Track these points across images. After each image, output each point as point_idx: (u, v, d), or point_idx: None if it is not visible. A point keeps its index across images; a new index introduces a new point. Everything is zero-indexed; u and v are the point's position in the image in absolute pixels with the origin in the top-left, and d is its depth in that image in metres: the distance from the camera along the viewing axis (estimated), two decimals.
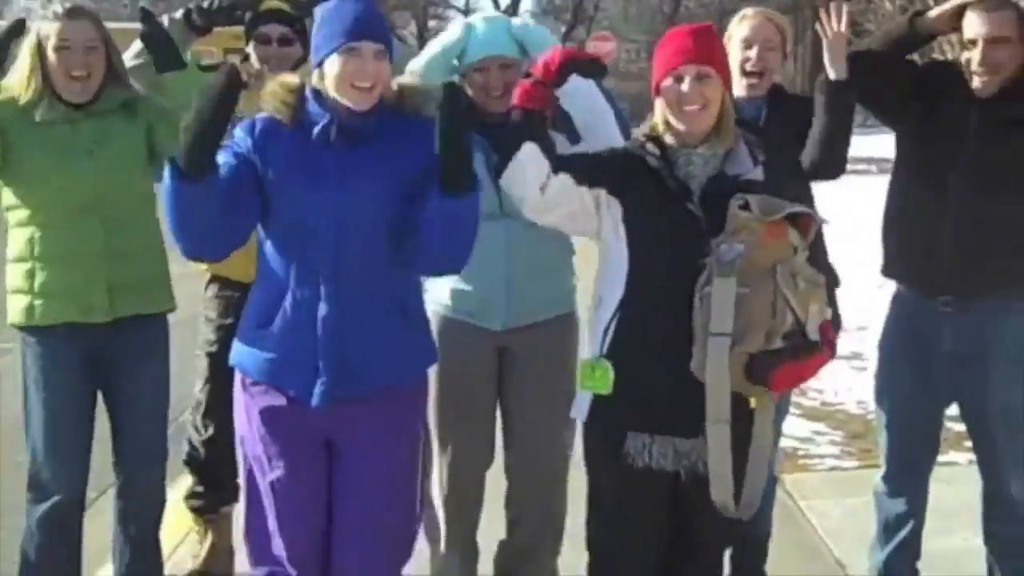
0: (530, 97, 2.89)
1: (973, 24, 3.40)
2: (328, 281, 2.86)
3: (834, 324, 3.13)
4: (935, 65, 3.76)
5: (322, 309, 2.86)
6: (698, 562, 3.00)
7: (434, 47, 3.52)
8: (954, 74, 3.51)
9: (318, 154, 2.86)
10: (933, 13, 3.56)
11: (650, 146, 2.87)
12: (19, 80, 3.35)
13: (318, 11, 2.96)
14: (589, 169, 2.88)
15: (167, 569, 3.91)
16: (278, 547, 3.00)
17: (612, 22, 46.63)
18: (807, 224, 2.83)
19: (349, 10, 2.86)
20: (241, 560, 3.60)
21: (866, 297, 8.04)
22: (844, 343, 7.27)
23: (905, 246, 3.59)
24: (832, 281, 3.50)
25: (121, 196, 3.40)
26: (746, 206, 2.75)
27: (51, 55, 3.33)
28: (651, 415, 2.83)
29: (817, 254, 2.97)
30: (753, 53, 3.57)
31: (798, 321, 2.73)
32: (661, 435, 2.84)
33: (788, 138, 3.46)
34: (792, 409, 5.50)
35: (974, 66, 3.40)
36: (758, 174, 2.90)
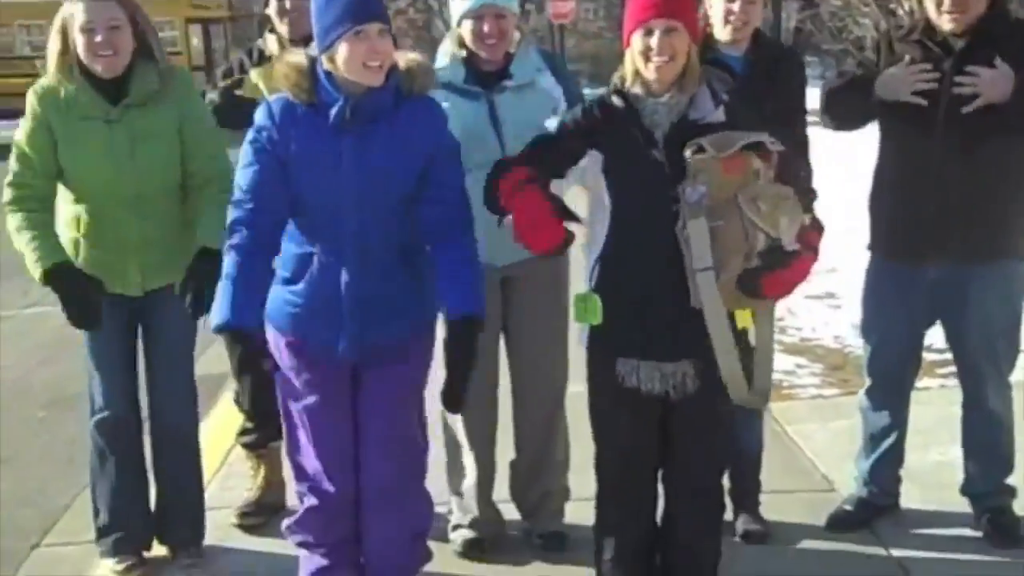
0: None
1: None
2: (350, 250, 3.13)
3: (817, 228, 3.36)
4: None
5: (344, 275, 3.13)
6: (694, 483, 3.24)
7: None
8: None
9: (336, 136, 3.07)
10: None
11: (615, 99, 3.08)
12: (52, 63, 3.51)
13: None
14: (574, 151, 3.13)
15: (221, 501, 4.20)
16: (314, 465, 3.30)
17: None
18: (766, 152, 3.00)
19: None
20: (292, 491, 3.91)
21: (835, 239, 8.36)
22: (817, 284, 7.62)
23: (891, 223, 3.82)
24: (810, 194, 3.71)
25: (156, 191, 3.62)
26: (700, 149, 2.95)
27: (77, 36, 3.47)
28: (638, 342, 3.09)
29: (789, 176, 3.13)
30: (736, 6, 3.69)
31: (770, 237, 2.94)
32: (647, 360, 3.10)
33: (766, 84, 3.66)
34: (774, 345, 5.82)
35: (945, 6, 3.57)
36: (719, 115, 3.07)
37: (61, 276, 3.49)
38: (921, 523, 4.08)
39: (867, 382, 4.08)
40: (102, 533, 3.87)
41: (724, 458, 3.40)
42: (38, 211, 3.55)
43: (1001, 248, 3.77)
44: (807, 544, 3.98)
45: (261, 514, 4.21)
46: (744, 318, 3.06)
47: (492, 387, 3.88)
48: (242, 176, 3.14)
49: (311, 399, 3.27)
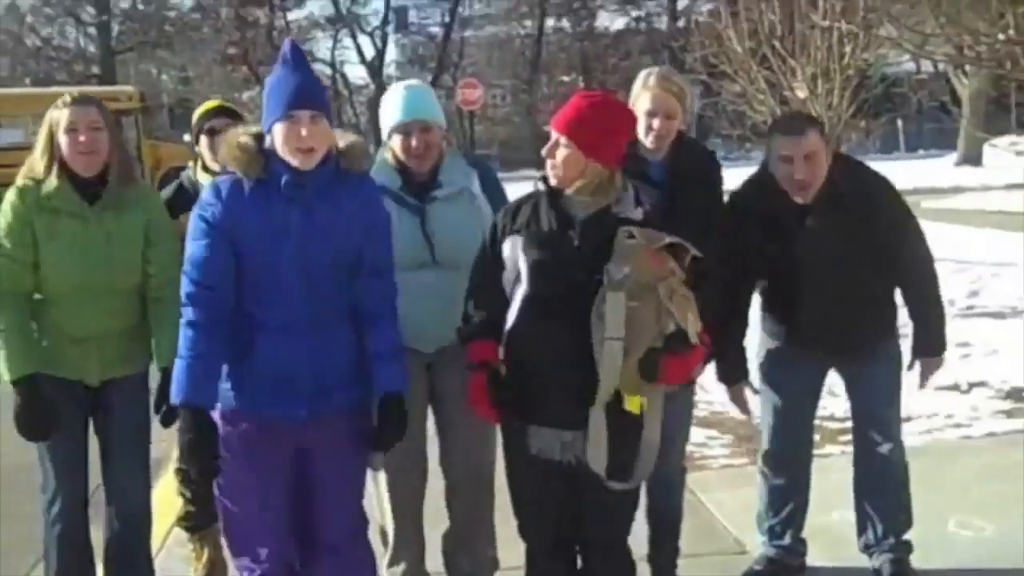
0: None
1: (784, 146, 3.95)
2: (302, 317, 3.29)
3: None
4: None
5: (296, 343, 3.28)
6: (601, 543, 3.50)
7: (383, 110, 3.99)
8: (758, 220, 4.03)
9: (283, 208, 3.26)
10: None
11: (539, 185, 3.41)
12: (37, 161, 3.78)
13: (266, 82, 3.38)
14: (495, 251, 3.45)
15: None
16: (250, 537, 3.43)
17: (477, 68, 46.96)
18: (682, 254, 3.33)
19: (288, 81, 3.25)
20: (233, 570, 4.04)
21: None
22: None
23: (780, 322, 4.24)
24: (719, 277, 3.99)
25: (124, 288, 3.84)
26: (631, 235, 3.26)
27: (62, 137, 3.75)
28: (540, 410, 3.36)
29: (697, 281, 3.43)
30: (656, 123, 3.93)
31: (677, 326, 3.24)
32: (550, 427, 3.36)
33: (685, 185, 3.95)
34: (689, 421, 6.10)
35: (792, 190, 3.95)
36: (638, 215, 3.35)
37: (28, 389, 3.69)
38: None
39: (764, 446, 4.40)
40: None
41: (630, 516, 3.58)
42: (12, 307, 3.72)
43: (878, 336, 4.19)
44: None
45: None
46: (634, 403, 3.29)
47: (422, 465, 4.07)
48: (192, 249, 3.29)
49: (248, 471, 3.36)
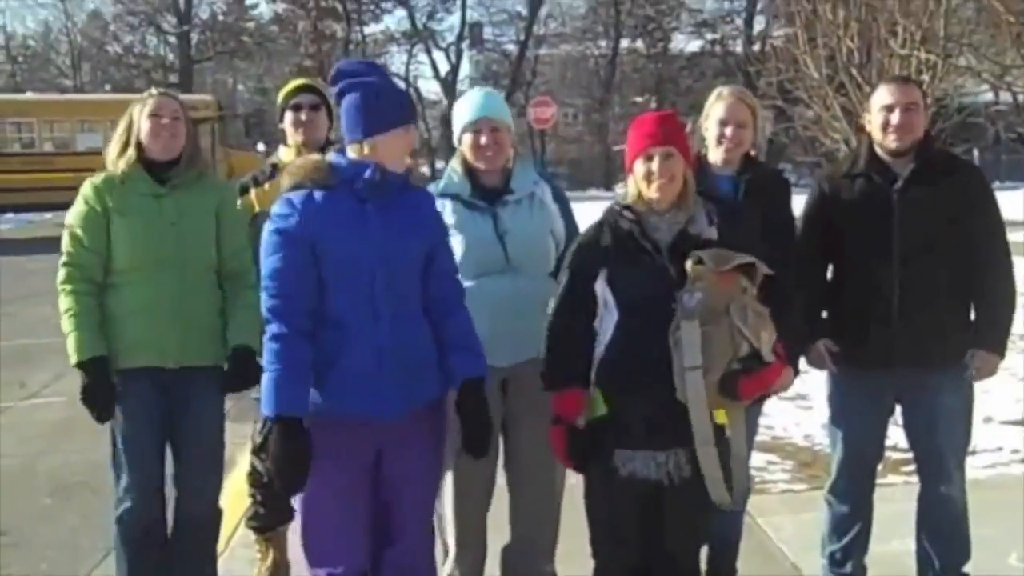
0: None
1: (891, 93, 4.00)
2: (384, 310, 3.34)
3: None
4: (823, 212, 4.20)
5: (382, 339, 3.33)
6: (680, 561, 3.52)
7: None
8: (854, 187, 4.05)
9: (360, 204, 3.35)
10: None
11: (627, 213, 3.44)
12: (114, 150, 3.95)
13: (347, 95, 3.40)
14: (592, 290, 3.44)
15: None
16: (327, 545, 3.44)
17: (550, 87, 47.05)
18: (753, 271, 3.38)
19: (397, 95, 3.46)
20: (297, 573, 4.12)
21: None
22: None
23: (853, 335, 4.13)
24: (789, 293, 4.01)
25: (196, 261, 3.94)
26: (700, 260, 3.31)
27: (143, 122, 3.92)
28: (635, 433, 3.40)
29: (770, 296, 3.44)
30: (729, 131, 4.05)
31: (752, 347, 3.29)
32: (643, 450, 3.41)
33: (755, 204, 3.99)
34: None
35: (891, 128, 3.97)
36: (712, 233, 3.43)
37: (95, 371, 3.81)
38: None
39: (832, 474, 4.37)
40: None
41: (703, 538, 3.67)
42: (86, 293, 3.85)
43: (953, 353, 4.11)
44: None
45: None
46: (720, 416, 3.36)
47: (490, 481, 4.10)
48: (268, 265, 3.32)
49: (335, 481, 3.37)
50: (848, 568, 4.36)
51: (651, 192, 3.42)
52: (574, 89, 48.71)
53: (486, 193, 3.99)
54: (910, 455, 5.86)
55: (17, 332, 10.93)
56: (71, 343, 3.83)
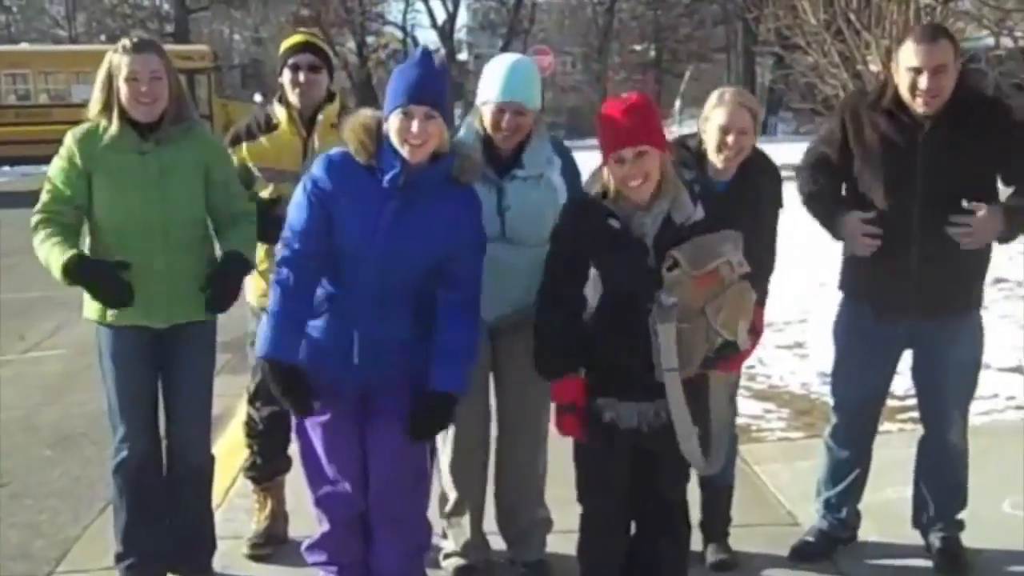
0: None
1: (918, 55, 3.83)
2: (368, 299, 3.44)
3: (760, 302, 3.78)
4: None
5: (358, 320, 3.46)
6: (665, 496, 3.60)
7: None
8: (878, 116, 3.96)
9: (384, 198, 3.39)
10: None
11: (612, 222, 3.38)
12: (95, 106, 3.84)
13: (395, 68, 3.50)
14: (576, 278, 3.47)
15: (223, 532, 4.42)
16: (330, 474, 3.60)
17: (548, 35, 46.78)
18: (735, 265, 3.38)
19: (409, 75, 3.37)
20: (295, 525, 4.18)
21: (806, 294, 8.74)
22: (787, 334, 7.99)
23: (870, 278, 4.08)
24: (770, 267, 4.12)
25: (182, 221, 3.90)
26: (675, 263, 3.30)
27: (121, 85, 3.80)
28: (617, 385, 3.46)
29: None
30: (730, 139, 3.93)
31: (725, 339, 3.36)
32: (625, 400, 3.47)
33: (746, 195, 3.95)
34: (744, 391, 6.12)
35: (919, 91, 3.84)
36: (699, 213, 3.40)
37: (84, 267, 3.71)
38: (877, 554, 4.39)
39: (833, 420, 4.39)
40: (119, 559, 4.10)
41: (687, 475, 3.68)
42: (60, 227, 3.78)
43: (968, 301, 4.11)
44: (771, 573, 4.28)
45: (269, 544, 4.46)
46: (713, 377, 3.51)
47: (484, 431, 4.16)
48: (294, 216, 3.45)
49: (324, 417, 3.55)
50: (843, 514, 4.40)
51: (628, 191, 3.38)
52: (572, 37, 48.40)
53: (497, 161, 3.93)
54: (907, 403, 5.95)
55: (16, 285, 10.93)
56: (50, 258, 3.73)
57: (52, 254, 3.72)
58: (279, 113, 4.38)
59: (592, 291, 3.49)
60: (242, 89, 33.34)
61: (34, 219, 3.84)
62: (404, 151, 3.37)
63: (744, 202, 3.89)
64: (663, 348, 3.30)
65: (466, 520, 4.21)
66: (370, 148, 3.41)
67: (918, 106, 3.90)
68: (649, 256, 3.37)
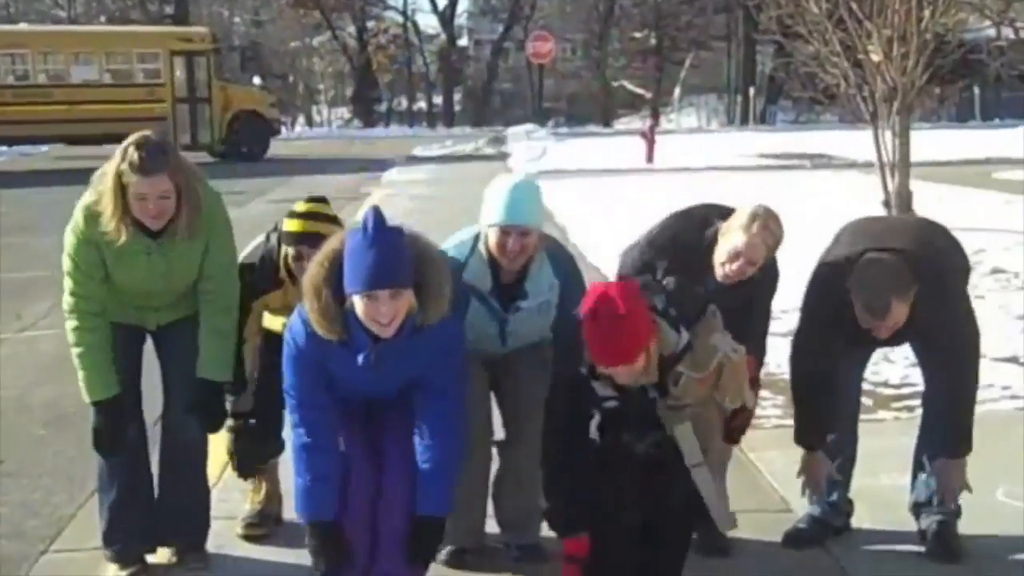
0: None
1: (865, 320, 3.91)
2: (359, 433, 3.71)
3: (759, 359, 4.20)
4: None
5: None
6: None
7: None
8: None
9: (357, 369, 3.51)
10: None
11: (610, 403, 3.49)
12: (107, 214, 3.82)
13: (347, 240, 3.42)
14: (581, 433, 3.55)
15: (219, 511, 4.45)
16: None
17: (548, 21, 46.75)
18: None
19: (371, 256, 3.33)
20: (289, 505, 4.18)
21: (801, 281, 8.73)
22: (782, 322, 7.95)
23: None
24: (765, 328, 4.35)
25: (181, 290, 4.06)
26: (679, 380, 3.43)
27: (131, 198, 3.79)
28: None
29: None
30: (735, 266, 4.01)
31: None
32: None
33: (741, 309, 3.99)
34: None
35: (876, 332, 3.95)
36: (683, 341, 3.43)
37: (110, 410, 3.94)
38: (871, 540, 4.41)
39: None
40: (107, 539, 4.14)
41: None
42: (94, 329, 3.92)
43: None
44: (764, 558, 4.30)
45: (264, 525, 4.48)
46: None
47: (487, 426, 4.19)
48: (290, 376, 3.59)
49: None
50: (834, 498, 4.42)
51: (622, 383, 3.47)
52: (573, 23, 48.39)
53: (502, 289, 4.02)
54: (902, 391, 5.96)
55: (13, 264, 10.94)
56: (83, 382, 3.94)
57: (85, 374, 3.93)
58: (286, 280, 4.26)
59: None
60: (241, 72, 33.24)
61: (67, 303, 3.95)
62: (374, 329, 3.43)
63: (739, 307, 3.96)
64: (685, 449, 3.46)
65: (463, 504, 4.13)
66: (336, 328, 3.47)
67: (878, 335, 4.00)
68: (650, 421, 3.51)
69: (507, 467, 4.28)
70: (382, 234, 3.37)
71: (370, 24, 50.02)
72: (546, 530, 4.21)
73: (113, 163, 3.82)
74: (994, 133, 27.94)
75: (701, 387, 3.46)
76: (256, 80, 31.71)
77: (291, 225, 4.17)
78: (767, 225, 4.03)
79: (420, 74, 51.54)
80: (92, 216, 3.87)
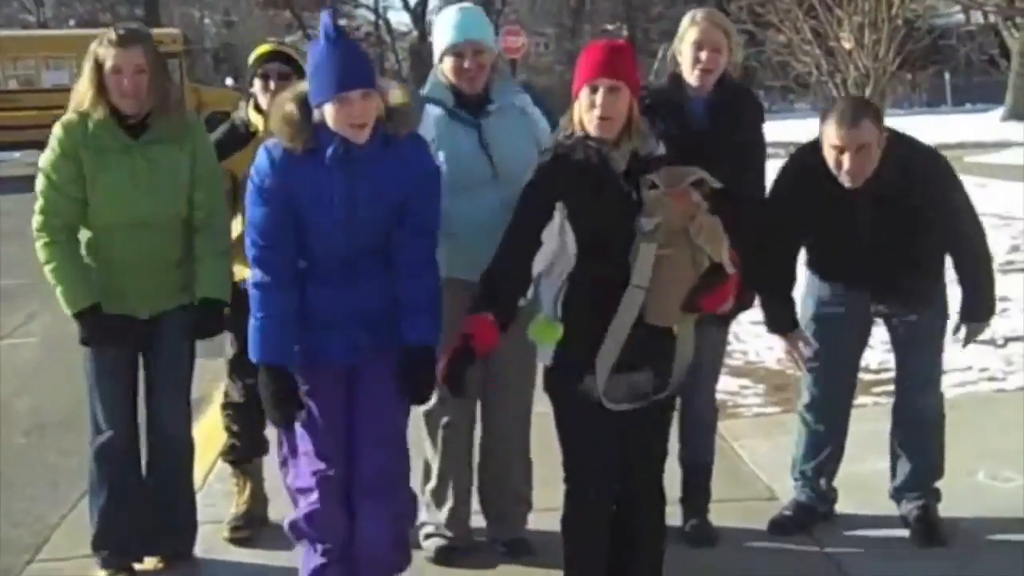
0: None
1: (837, 136, 3.90)
2: (340, 270, 3.47)
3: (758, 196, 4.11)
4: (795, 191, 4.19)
5: (335, 291, 3.47)
6: (649, 473, 3.61)
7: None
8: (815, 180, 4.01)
9: (328, 177, 3.37)
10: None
11: (591, 143, 3.39)
12: (82, 96, 3.85)
13: (309, 54, 3.42)
14: (545, 210, 3.41)
15: (204, 516, 4.42)
16: (313, 448, 3.55)
17: (520, 15, 46.72)
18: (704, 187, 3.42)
19: (336, 60, 3.30)
20: (275, 506, 4.17)
21: None
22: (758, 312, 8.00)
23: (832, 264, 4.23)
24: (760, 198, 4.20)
25: (166, 218, 3.95)
26: (653, 185, 3.35)
27: (107, 76, 3.82)
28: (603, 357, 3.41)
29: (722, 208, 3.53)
30: (704, 55, 4.06)
31: (712, 262, 3.37)
32: (613, 374, 3.42)
33: (727, 126, 4.08)
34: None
35: (844, 172, 3.92)
36: (661, 150, 3.48)
37: (92, 318, 3.88)
38: (854, 526, 4.43)
39: (806, 397, 4.43)
40: (96, 546, 4.12)
41: (666, 452, 3.71)
42: (65, 242, 3.87)
43: (923, 288, 4.22)
44: (750, 546, 4.32)
45: (250, 527, 4.46)
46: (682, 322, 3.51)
47: (470, 407, 4.16)
48: (253, 216, 3.43)
49: (305, 392, 3.51)
50: (820, 486, 4.44)
51: (589, 126, 3.39)
52: (544, 17, 48.32)
53: (468, 103, 4.00)
54: (882, 376, 5.99)
55: None
56: (62, 296, 3.88)
57: (62, 288, 3.87)
58: (256, 120, 4.34)
59: (561, 261, 3.44)
60: (214, 73, 33.13)
61: (37, 219, 3.89)
62: (348, 134, 3.35)
63: (724, 127, 4.04)
64: (637, 266, 3.31)
65: (449, 499, 4.21)
66: (303, 135, 3.38)
67: (843, 182, 3.97)
68: (623, 183, 3.38)
69: (488, 463, 4.27)
70: (343, 39, 3.38)
71: (342, 22, 49.85)
72: (533, 523, 4.26)
73: (91, 48, 3.87)
74: (966, 118, 28.08)
75: (675, 204, 3.33)
76: (229, 81, 31.59)
77: (257, 52, 4.41)
78: (710, 12, 4.20)
79: (393, 70, 51.39)
80: (70, 124, 3.86)
